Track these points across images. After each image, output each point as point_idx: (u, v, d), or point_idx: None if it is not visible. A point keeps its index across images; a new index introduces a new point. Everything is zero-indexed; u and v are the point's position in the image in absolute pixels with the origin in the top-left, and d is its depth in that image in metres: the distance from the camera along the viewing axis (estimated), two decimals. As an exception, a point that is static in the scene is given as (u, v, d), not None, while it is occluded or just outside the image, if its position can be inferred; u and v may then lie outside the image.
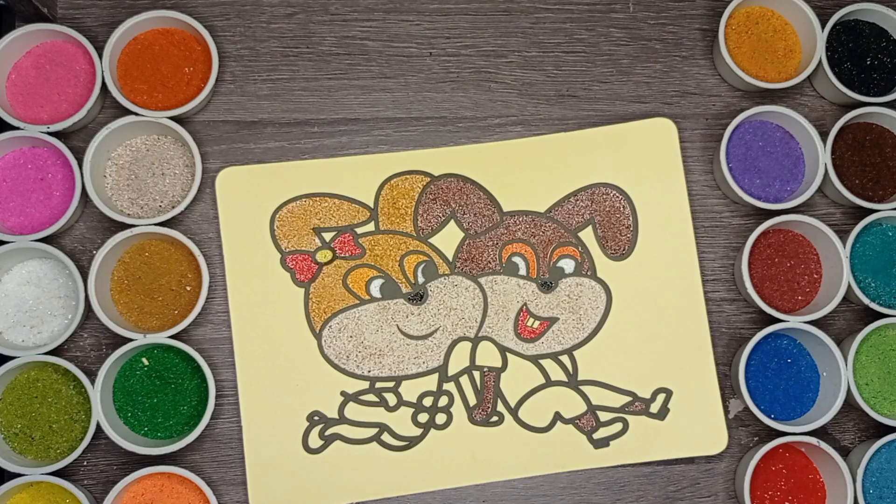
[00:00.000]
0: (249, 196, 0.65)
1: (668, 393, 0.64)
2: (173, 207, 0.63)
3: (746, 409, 0.64)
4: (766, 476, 0.63)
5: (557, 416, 0.64)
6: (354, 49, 0.68)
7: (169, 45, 0.65)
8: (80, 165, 0.62)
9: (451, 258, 0.65)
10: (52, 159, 0.64)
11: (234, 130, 0.66)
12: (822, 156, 0.65)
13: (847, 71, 0.67)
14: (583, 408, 0.64)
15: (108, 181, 0.65)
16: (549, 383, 0.64)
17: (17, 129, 0.63)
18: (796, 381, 0.64)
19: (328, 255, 0.64)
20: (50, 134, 0.63)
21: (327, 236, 0.65)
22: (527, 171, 0.66)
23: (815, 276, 0.66)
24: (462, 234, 0.65)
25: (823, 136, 0.65)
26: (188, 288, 0.64)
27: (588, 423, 0.64)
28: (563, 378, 0.64)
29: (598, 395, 0.64)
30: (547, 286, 0.65)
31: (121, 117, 0.63)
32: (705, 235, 0.67)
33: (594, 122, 0.67)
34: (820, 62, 0.66)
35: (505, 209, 0.66)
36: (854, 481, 0.62)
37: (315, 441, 0.63)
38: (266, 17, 0.68)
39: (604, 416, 0.64)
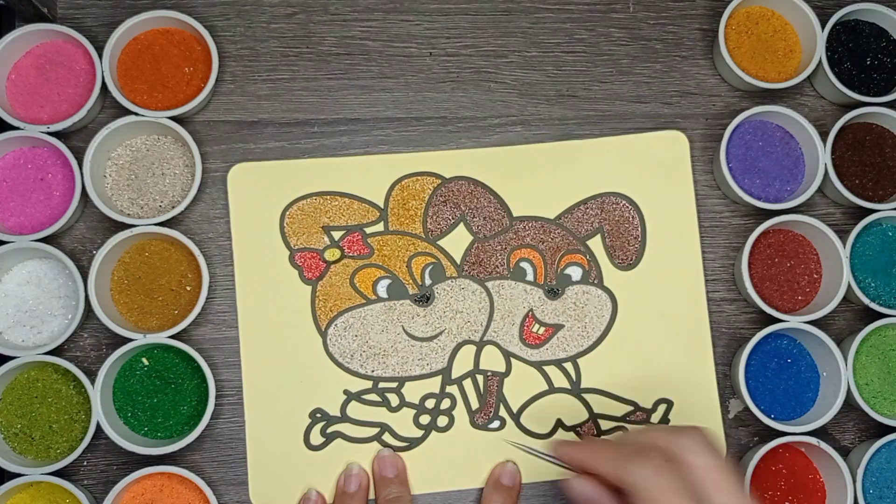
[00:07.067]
0: (261, 192, 0.65)
1: (669, 404, 0.64)
2: (173, 207, 0.63)
3: (746, 409, 0.64)
4: (766, 476, 0.63)
5: (559, 423, 0.64)
6: (354, 49, 0.68)
7: (169, 45, 0.65)
8: (80, 165, 0.62)
9: (458, 261, 0.65)
10: (52, 159, 0.64)
11: (234, 130, 0.66)
12: (822, 156, 0.65)
13: (847, 71, 0.67)
14: (584, 416, 0.64)
15: (108, 181, 0.65)
16: (551, 390, 0.64)
17: (17, 129, 0.63)
18: (796, 381, 0.65)
19: (336, 253, 0.64)
20: (50, 134, 0.63)
21: (336, 235, 0.65)
22: (538, 177, 0.66)
23: (815, 276, 0.66)
24: (471, 238, 0.65)
25: (823, 136, 0.65)
26: (188, 288, 0.64)
27: (589, 431, 0.64)
28: (566, 385, 0.64)
29: (599, 404, 0.64)
30: (553, 293, 0.65)
31: (121, 117, 0.63)
32: (705, 236, 0.67)
33: (594, 121, 0.67)
34: (820, 62, 0.66)
35: (515, 214, 0.65)
36: (854, 481, 0.62)
37: (316, 438, 0.63)
38: (266, 17, 0.68)
39: (605, 425, 0.64)
